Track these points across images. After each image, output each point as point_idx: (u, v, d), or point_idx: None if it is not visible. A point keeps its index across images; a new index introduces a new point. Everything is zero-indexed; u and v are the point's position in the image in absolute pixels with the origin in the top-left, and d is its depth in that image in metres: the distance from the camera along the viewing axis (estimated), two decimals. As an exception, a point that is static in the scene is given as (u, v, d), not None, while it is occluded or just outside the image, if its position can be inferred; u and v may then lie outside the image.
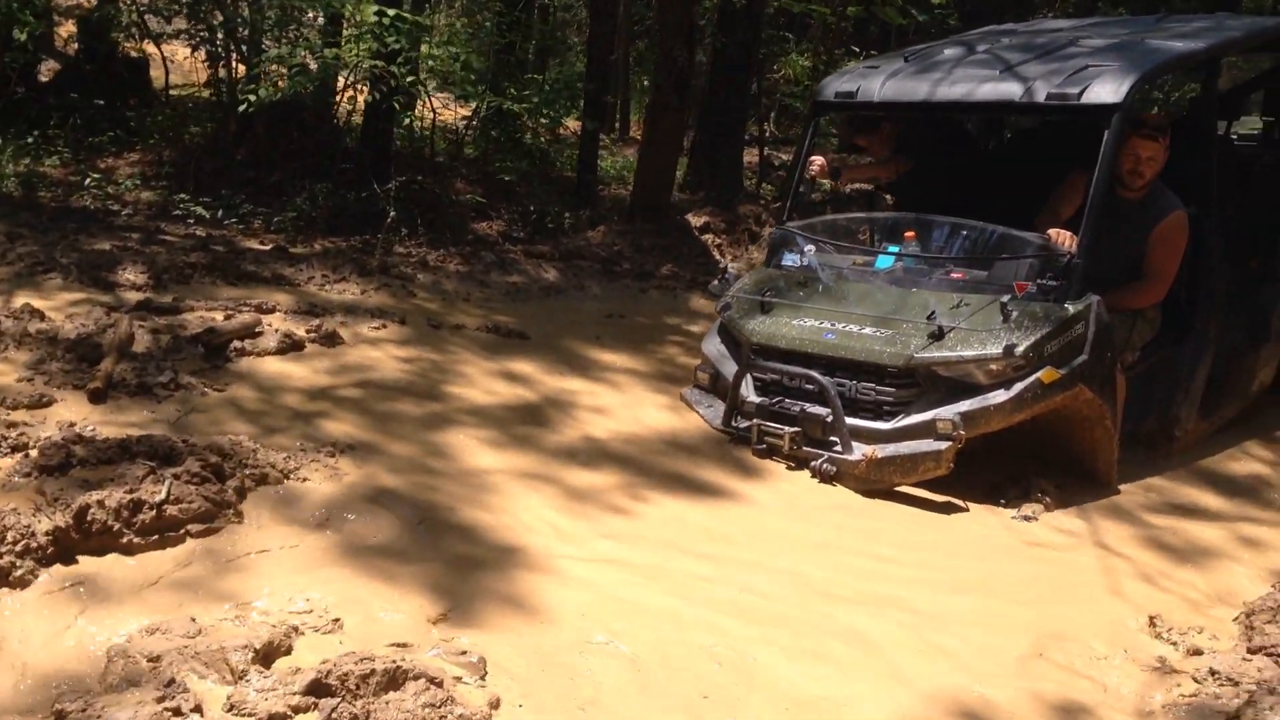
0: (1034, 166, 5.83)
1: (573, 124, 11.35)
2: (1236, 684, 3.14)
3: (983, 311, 4.63)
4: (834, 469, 4.59)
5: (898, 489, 4.57)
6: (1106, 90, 4.74)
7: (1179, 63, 5.34)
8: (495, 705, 2.80)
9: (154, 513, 3.48)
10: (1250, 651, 3.31)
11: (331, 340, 5.77)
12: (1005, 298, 4.58)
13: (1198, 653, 3.39)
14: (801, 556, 3.93)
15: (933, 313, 4.66)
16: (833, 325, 4.85)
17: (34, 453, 3.79)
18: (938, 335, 4.57)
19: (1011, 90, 5.00)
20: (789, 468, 4.74)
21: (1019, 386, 4.42)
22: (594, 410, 5.35)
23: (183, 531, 3.52)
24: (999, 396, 4.43)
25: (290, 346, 5.57)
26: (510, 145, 10.14)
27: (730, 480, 4.61)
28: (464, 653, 2.99)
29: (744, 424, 4.96)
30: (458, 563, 3.56)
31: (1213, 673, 3.21)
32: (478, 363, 5.83)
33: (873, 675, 3.17)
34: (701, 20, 10.43)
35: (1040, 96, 4.87)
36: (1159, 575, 4.08)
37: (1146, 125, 4.99)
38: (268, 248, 7.61)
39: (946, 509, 4.48)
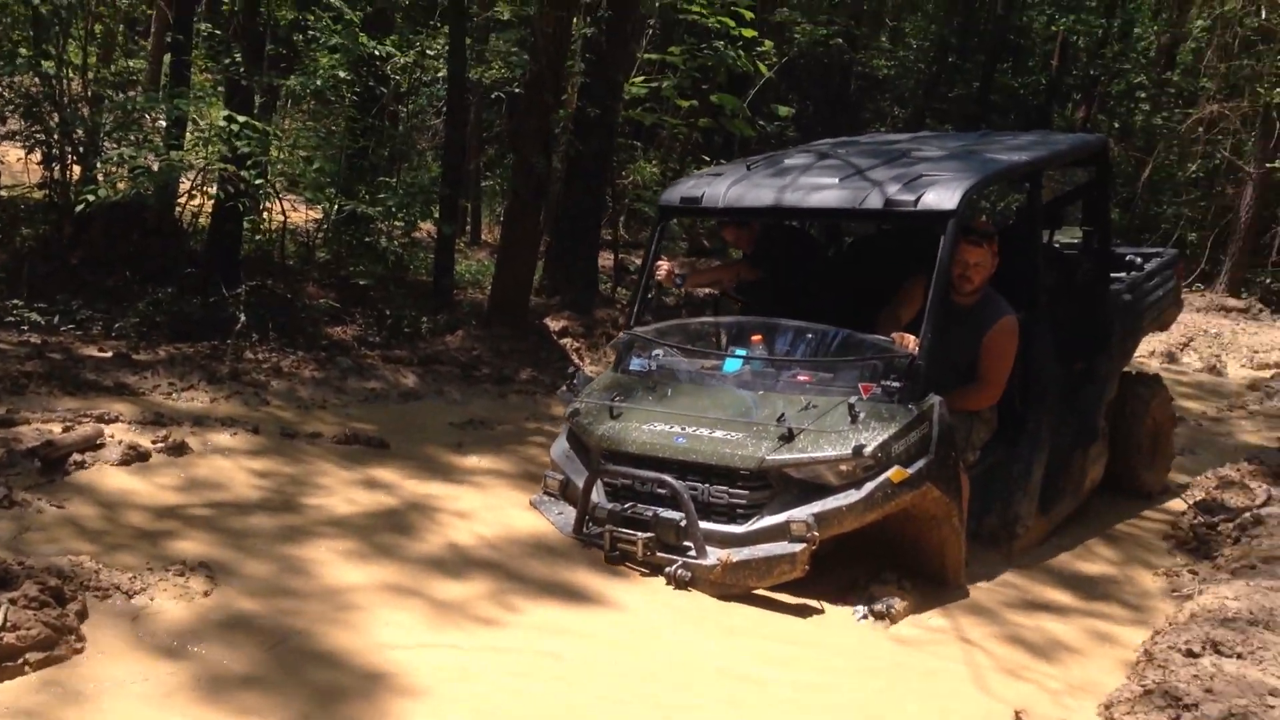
0: (873, 271, 6.11)
1: (426, 228, 11.39)
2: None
3: (831, 413, 4.74)
4: (689, 574, 4.57)
5: (753, 593, 4.57)
6: (942, 197, 4.97)
7: (1009, 173, 5.67)
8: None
9: (-11, 642, 3.29)
10: (1113, 743, 3.43)
11: (179, 452, 5.57)
12: (852, 399, 4.72)
13: (1064, 745, 3.50)
14: (670, 666, 3.93)
15: (782, 415, 4.74)
16: (683, 429, 4.88)
17: None
18: (788, 437, 4.65)
19: (852, 197, 5.20)
20: (642, 574, 4.71)
21: (869, 486, 4.50)
22: (458, 515, 5.30)
23: (21, 661, 3.34)
24: (851, 497, 4.51)
25: (135, 459, 5.36)
26: (364, 249, 10.09)
27: (598, 583, 4.60)
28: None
29: (596, 530, 4.92)
30: (323, 692, 3.44)
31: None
32: (336, 472, 5.72)
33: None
34: (556, 129, 10.67)
35: (879, 203, 5.08)
36: (1022, 669, 4.23)
37: (973, 232, 5.23)
38: (109, 355, 7.32)
39: (802, 611, 4.51)
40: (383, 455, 6.16)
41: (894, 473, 4.53)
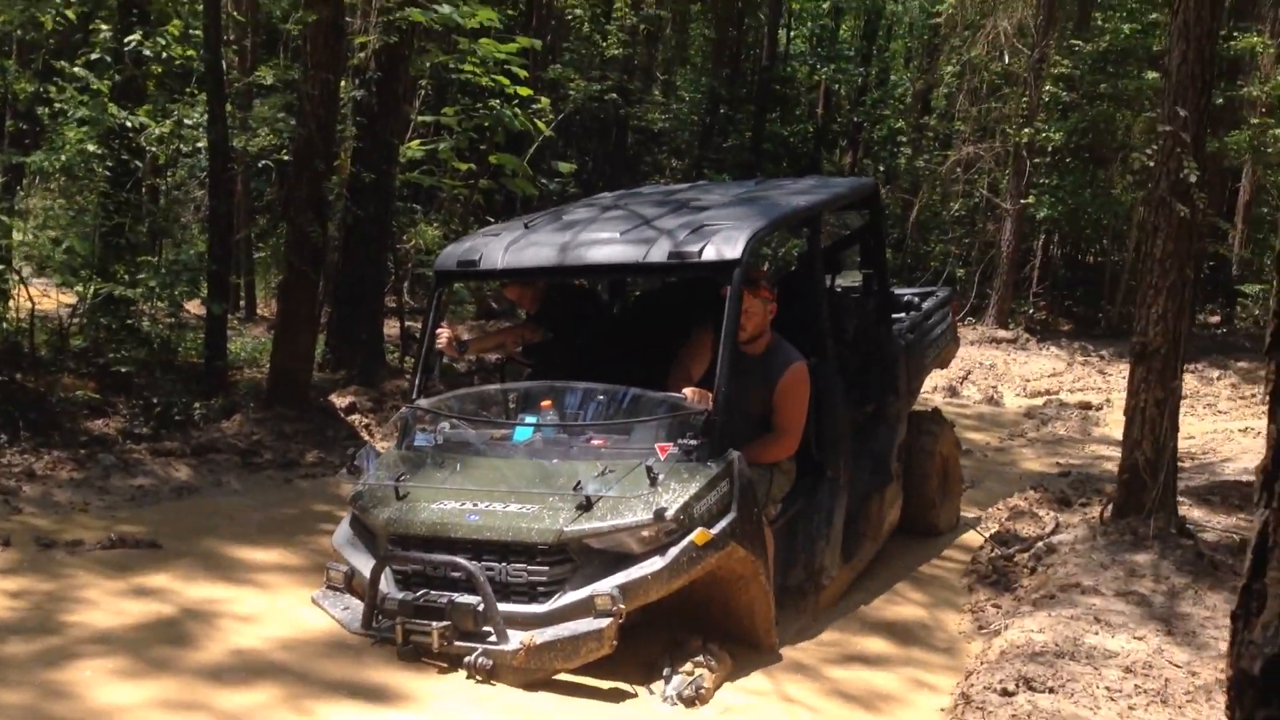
0: (660, 324, 6.02)
1: (195, 307, 10.75)
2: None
3: (629, 477, 4.56)
4: (490, 662, 4.26)
5: (560, 677, 4.30)
6: (726, 246, 4.88)
7: (790, 218, 5.69)
8: None
9: None
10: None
11: (-87, 579, 4.97)
12: (650, 461, 4.53)
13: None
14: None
15: (579, 483, 4.53)
16: (475, 505, 4.61)
17: None
18: (586, 506, 4.44)
19: (634, 252, 5.06)
20: (441, 667, 4.39)
21: (674, 552, 4.34)
22: (242, 618, 4.92)
23: None
24: (655, 564, 4.32)
25: None
26: (125, 333, 9.39)
27: (396, 680, 4.32)
28: None
29: (387, 624, 4.55)
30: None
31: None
32: (101, 583, 5.21)
33: None
34: (331, 195, 10.28)
35: (663, 255, 4.95)
36: (848, 726, 4.20)
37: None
38: None
39: (614, 696, 4.28)
40: (155, 559, 5.66)
41: (698, 535, 4.39)
